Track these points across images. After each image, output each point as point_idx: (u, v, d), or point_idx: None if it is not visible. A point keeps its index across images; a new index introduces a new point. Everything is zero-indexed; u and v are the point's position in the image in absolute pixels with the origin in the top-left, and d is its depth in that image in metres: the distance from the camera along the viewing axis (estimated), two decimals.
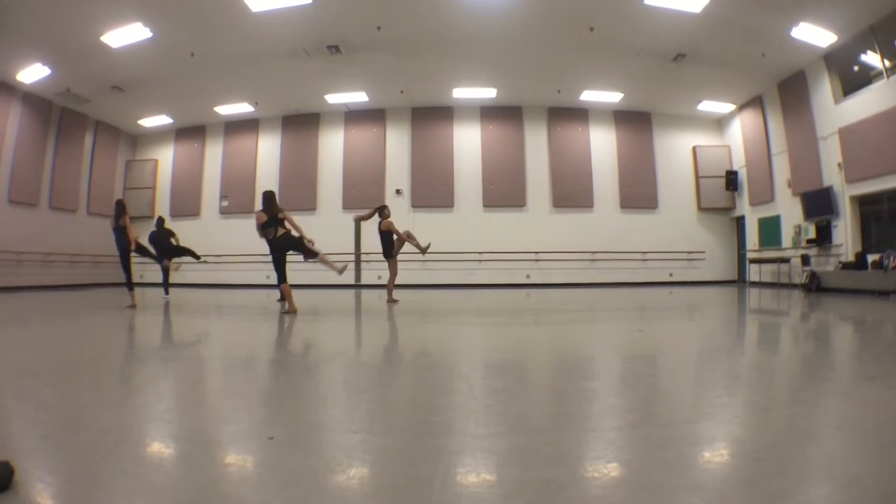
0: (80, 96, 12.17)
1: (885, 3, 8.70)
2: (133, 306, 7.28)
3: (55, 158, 12.85)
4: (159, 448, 1.62)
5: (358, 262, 13.69)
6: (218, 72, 11.36)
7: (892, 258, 9.08)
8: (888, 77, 9.50)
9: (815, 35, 9.86)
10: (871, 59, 10.00)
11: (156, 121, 14.25)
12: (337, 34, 9.92)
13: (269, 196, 6.53)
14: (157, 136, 14.94)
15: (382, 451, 1.57)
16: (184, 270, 14.50)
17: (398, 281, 8.54)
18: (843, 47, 10.31)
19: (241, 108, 13.70)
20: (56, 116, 12.74)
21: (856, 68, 10.53)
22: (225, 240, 14.14)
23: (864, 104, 10.03)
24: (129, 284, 7.91)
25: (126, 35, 9.38)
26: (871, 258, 9.81)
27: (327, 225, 13.71)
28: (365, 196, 13.67)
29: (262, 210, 6.51)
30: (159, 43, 9.73)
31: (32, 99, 11.94)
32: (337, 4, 8.87)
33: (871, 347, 4.02)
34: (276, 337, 4.51)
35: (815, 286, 10.37)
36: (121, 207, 7.65)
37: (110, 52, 9.89)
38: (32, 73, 10.86)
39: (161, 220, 9.61)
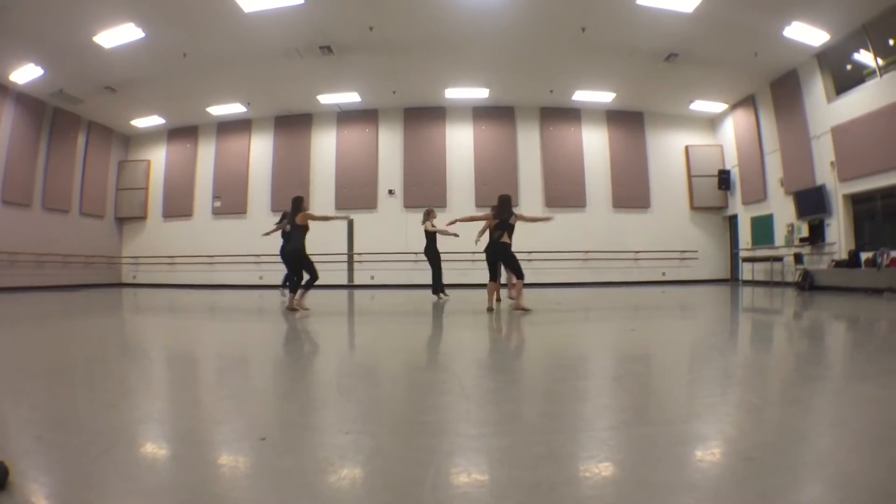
0: (73, 97, 12.06)
1: (879, 2, 8.63)
2: (306, 309, 6.44)
3: (48, 159, 12.73)
4: (152, 449, 1.62)
5: (350, 262, 13.69)
6: (210, 72, 11.26)
7: (885, 256, 9.04)
8: (881, 75, 9.42)
9: (807, 34, 9.78)
10: (865, 57, 9.92)
11: (148, 121, 14.13)
12: (329, 34, 9.84)
13: (505, 199, 6.33)
14: (150, 136, 14.83)
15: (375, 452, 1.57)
16: (177, 271, 14.55)
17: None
18: (835, 46, 10.22)
19: (234, 109, 13.59)
20: (49, 117, 12.62)
21: (849, 67, 10.44)
22: (218, 240, 14.06)
23: (857, 103, 9.96)
24: (309, 284, 6.66)
25: (119, 35, 9.30)
26: (864, 256, 9.76)
27: (320, 225, 13.65)
28: (357, 196, 13.63)
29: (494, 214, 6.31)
30: (152, 43, 9.64)
31: (25, 99, 11.81)
32: (329, 5, 8.79)
33: (864, 346, 4.00)
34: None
35: (808, 284, 10.34)
36: (298, 203, 6.91)
37: (103, 53, 9.79)
38: (25, 74, 10.74)
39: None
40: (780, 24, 9.53)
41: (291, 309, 6.27)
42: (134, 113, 13.61)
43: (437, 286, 8.51)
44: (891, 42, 9.31)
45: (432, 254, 8.53)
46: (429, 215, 8.58)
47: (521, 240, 13.08)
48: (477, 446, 1.62)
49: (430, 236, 8.51)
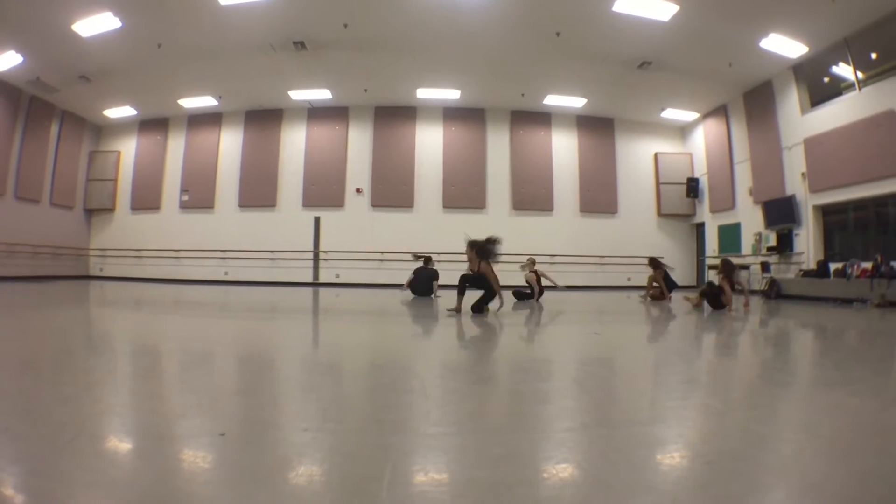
0: (49, 85, 11.82)
1: (862, 16, 8.57)
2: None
3: (22, 148, 12.43)
4: (114, 442, 1.60)
5: (316, 260, 13.52)
6: (184, 64, 11.08)
7: (856, 267, 9.03)
8: (860, 89, 9.37)
9: (785, 46, 9.73)
10: (844, 70, 9.86)
11: (120, 112, 13.85)
12: (303, 30, 9.70)
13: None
14: (121, 127, 14.56)
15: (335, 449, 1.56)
16: (144, 265, 14.32)
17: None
18: (813, 59, 10.17)
19: (205, 102, 13.35)
20: (25, 105, 12.32)
21: (826, 80, 10.40)
22: (184, 235, 13.79)
23: (833, 115, 9.90)
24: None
25: (97, 24, 9.17)
26: (833, 266, 9.75)
27: (287, 222, 13.52)
28: (325, 194, 13.47)
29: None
30: (128, 33, 9.48)
31: (3, 87, 11.53)
32: (305, 0, 8.70)
33: (832, 353, 3.96)
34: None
35: (774, 293, 10.30)
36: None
37: (80, 42, 9.65)
38: (5, 61, 10.51)
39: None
40: (757, 36, 9.49)
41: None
42: (107, 103, 13.38)
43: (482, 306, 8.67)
44: (873, 56, 9.27)
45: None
46: (531, 264, 8.92)
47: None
48: (436, 445, 1.61)
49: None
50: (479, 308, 5.84)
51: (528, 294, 8.65)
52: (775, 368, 3.23)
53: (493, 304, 5.98)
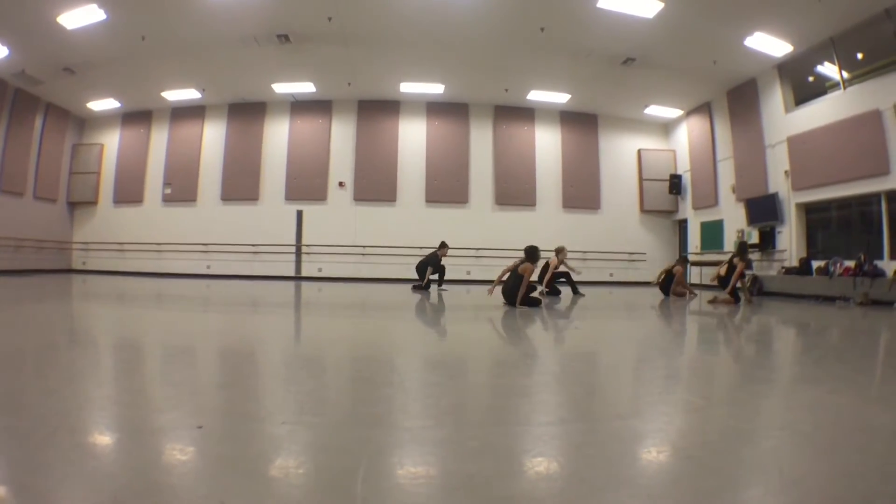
0: (34, 78, 11.67)
1: (849, 16, 8.53)
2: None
3: (7, 140, 12.27)
4: (93, 435, 1.61)
5: (298, 254, 13.45)
6: (167, 56, 10.97)
7: (838, 265, 9.05)
8: (845, 88, 9.35)
9: (769, 45, 9.71)
10: (829, 70, 9.85)
11: (104, 104, 13.68)
12: (287, 23, 9.62)
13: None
14: (105, 120, 14.42)
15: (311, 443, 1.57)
16: (126, 258, 14.22)
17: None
18: (798, 57, 10.15)
19: (188, 95, 13.21)
20: (10, 98, 12.14)
21: (811, 78, 10.39)
22: (167, 228, 13.66)
23: (817, 114, 9.89)
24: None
25: (81, 16, 9.08)
26: (816, 264, 9.76)
27: (269, 216, 13.43)
28: (308, 188, 13.38)
29: None
30: (112, 25, 9.39)
31: None
32: None
33: (814, 351, 3.95)
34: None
35: (756, 290, 10.28)
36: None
37: (65, 34, 9.54)
38: None
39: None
40: (742, 34, 9.46)
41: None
42: (91, 95, 13.22)
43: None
44: (859, 56, 9.26)
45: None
46: (560, 252, 9.36)
47: (469, 236, 13.07)
48: (413, 439, 1.61)
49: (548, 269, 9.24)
50: (530, 302, 6.39)
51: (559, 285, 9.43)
52: (757, 365, 3.21)
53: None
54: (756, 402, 2.16)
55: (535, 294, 6.90)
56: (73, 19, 9.18)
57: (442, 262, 9.83)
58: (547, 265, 9.20)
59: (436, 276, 9.79)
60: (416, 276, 10.00)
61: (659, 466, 1.43)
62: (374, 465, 1.35)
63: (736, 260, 8.25)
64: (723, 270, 8.48)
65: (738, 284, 8.19)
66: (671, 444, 1.59)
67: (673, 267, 9.46)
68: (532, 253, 6.47)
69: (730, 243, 12.39)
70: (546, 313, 5.94)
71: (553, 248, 9.63)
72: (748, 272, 8.34)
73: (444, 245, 9.94)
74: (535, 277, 6.91)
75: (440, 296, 8.34)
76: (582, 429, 1.74)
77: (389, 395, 2.13)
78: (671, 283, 9.22)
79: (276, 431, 1.63)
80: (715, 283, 8.44)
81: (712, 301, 8.04)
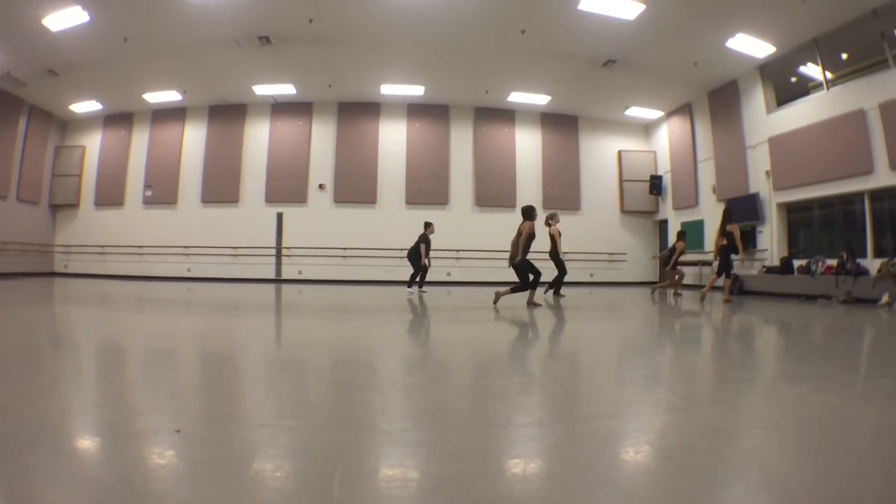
0: (19, 80, 11.63)
1: (835, 17, 8.53)
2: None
3: None
4: (74, 438, 1.62)
5: (279, 256, 13.41)
6: (149, 57, 10.92)
7: (820, 264, 9.08)
8: (828, 88, 9.37)
9: (752, 46, 9.71)
10: (812, 70, 9.87)
11: (86, 106, 13.60)
12: (268, 25, 9.60)
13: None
14: (87, 122, 14.33)
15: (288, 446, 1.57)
16: (108, 261, 14.15)
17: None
18: (781, 58, 10.17)
19: (170, 97, 13.14)
20: None
21: (793, 79, 10.42)
22: (148, 230, 13.57)
23: (799, 114, 9.90)
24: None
25: (66, 18, 9.07)
26: (797, 263, 9.79)
27: (250, 218, 13.35)
28: (288, 190, 13.31)
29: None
30: (95, 27, 9.36)
31: None
32: None
33: (795, 349, 3.93)
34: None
35: (737, 289, 10.28)
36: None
37: (50, 36, 9.52)
38: None
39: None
40: (724, 36, 9.46)
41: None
42: (73, 97, 13.15)
43: (559, 286, 9.18)
44: (844, 56, 9.28)
45: (557, 258, 9.10)
46: (553, 218, 8.87)
47: (449, 238, 13.04)
48: (390, 441, 1.61)
49: (554, 240, 8.99)
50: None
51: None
52: (738, 364, 3.20)
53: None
54: (737, 402, 2.14)
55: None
56: (57, 21, 9.17)
57: (424, 260, 9.85)
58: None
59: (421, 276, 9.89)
60: (398, 279, 9.97)
61: (636, 467, 1.42)
62: (352, 468, 1.35)
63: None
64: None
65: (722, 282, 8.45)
66: (650, 444, 1.59)
67: (676, 243, 9.72)
68: (528, 212, 6.72)
69: (710, 243, 12.40)
70: (529, 315, 5.95)
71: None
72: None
73: (428, 224, 9.99)
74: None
75: (420, 298, 8.31)
76: (560, 430, 1.73)
77: (368, 398, 2.14)
78: (670, 258, 9.72)
79: (254, 435, 1.64)
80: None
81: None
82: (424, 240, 9.84)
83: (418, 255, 9.77)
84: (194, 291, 9.33)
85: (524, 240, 6.50)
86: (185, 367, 2.98)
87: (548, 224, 8.81)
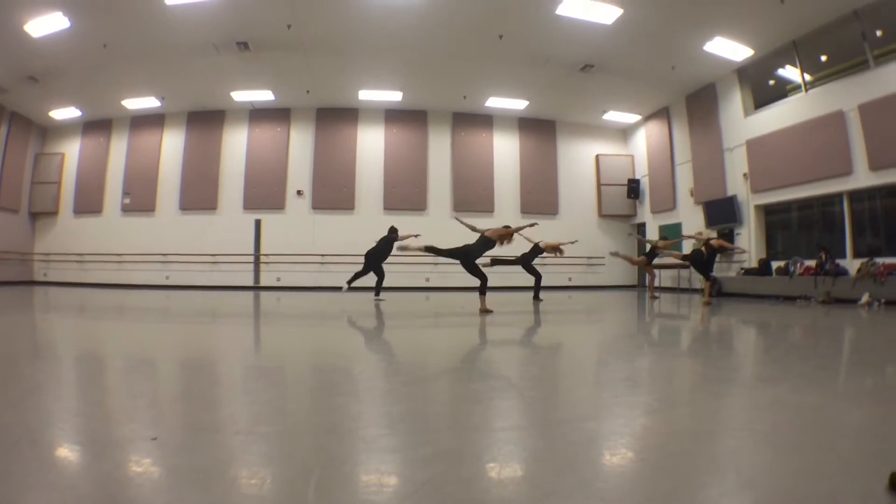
0: (0, 86, 11.61)
1: (814, 18, 8.56)
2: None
3: None
4: (52, 447, 1.62)
5: (257, 263, 13.34)
6: (128, 63, 10.86)
7: (798, 265, 9.12)
8: (807, 91, 9.40)
9: (730, 49, 9.72)
10: (790, 73, 9.91)
11: (65, 113, 13.47)
12: (247, 31, 9.56)
13: None
14: (66, 129, 14.20)
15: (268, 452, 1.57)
16: (87, 269, 14.04)
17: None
18: (758, 61, 10.20)
19: (148, 103, 13.03)
20: None
21: (771, 82, 10.46)
22: (126, 238, 13.45)
23: (777, 117, 9.93)
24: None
25: (47, 24, 9.03)
26: (775, 265, 9.82)
27: (228, 225, 13.24)
28: (266, 196, 13.23)
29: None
30: (76, 33, 9.31)
31: None
32: (249, 1, 8.56)
33: (773, 350, 3.94)
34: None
35: (715, 291, 10.30)
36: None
37: (31, 42, 9.46)
38: None
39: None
40: (701, 40, 9.48)
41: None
42: (53, 104, 13.05)
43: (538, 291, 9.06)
44: (823, 58, 9.30)
45: (529, 265, 9.20)
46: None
47: (431, 243, 12.93)
48: (366, 447, 1.61)
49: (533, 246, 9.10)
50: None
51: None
52: (716, 365, 3.19)
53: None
54: (714, 403, 2.14)
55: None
56: (39, 27, 9.12)
57: (382, 267, 9.22)
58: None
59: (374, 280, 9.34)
60: (370, 285, 9.61)
61: (612, 469, 1.42)
62: (327, 474, 1.36)
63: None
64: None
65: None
66: (627, 447, 1.58)
67: (658, 241, 9.83)
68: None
69: (688, 246, 12.43)
70: (492, 318, 5.90)
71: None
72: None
73: (394, 229, 9.30)
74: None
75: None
76: (536, 433, 1.73)
77: (343, 404, 2.14)
78: (653, 258, 10.01)
79: (230, 442, 1.63)
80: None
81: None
82: (393, 239, 9.15)
83: (379, 259, 9.11)
84: (173, 299, 9.26)
85: (500, 233, 6.63)
86: (163, 376, 3.00)
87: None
